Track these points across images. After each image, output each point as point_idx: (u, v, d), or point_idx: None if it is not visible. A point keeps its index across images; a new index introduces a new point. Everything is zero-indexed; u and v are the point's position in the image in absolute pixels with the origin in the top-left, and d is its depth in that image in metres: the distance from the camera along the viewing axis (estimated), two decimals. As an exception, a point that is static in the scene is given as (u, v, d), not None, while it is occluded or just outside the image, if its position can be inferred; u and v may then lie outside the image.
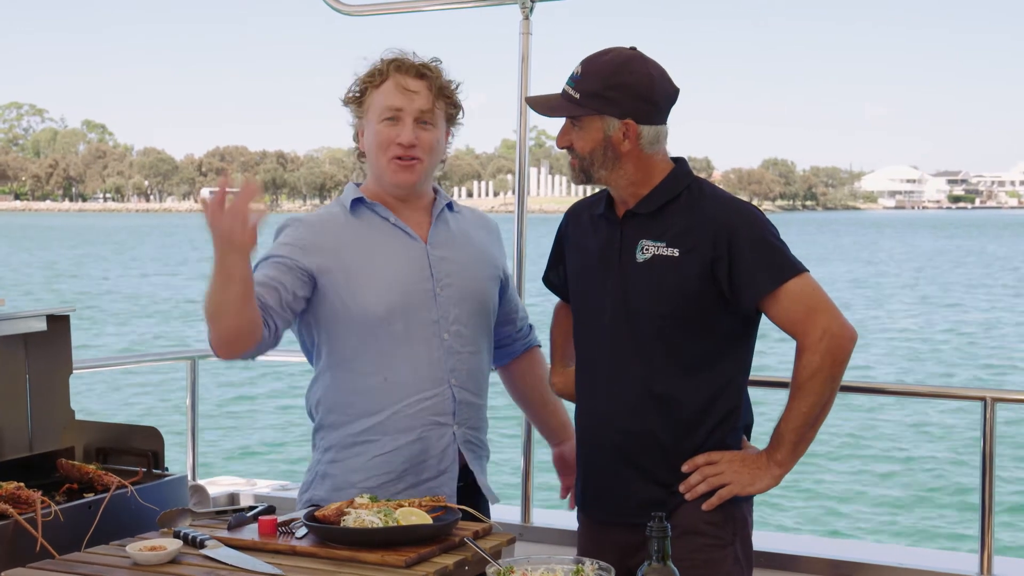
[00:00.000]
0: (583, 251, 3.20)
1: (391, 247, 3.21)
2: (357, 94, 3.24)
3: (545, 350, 3.56)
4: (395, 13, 4.35)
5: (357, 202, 3.25)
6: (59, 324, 3.71)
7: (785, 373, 3.11)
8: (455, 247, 3.32)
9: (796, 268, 2.97)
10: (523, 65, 4.04)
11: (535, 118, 3.26)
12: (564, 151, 3.12)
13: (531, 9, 4.02)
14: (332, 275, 3.15)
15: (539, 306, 4.10)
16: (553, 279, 3.39)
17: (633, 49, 3.04)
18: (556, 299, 3.44)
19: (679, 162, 3.13)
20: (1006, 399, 3.71)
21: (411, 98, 3.18)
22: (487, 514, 3.36)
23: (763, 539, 3.74)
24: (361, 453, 3.19)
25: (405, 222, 3.26)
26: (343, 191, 3.32)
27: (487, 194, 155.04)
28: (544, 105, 3.09)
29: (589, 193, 3.31)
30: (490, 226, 3.51)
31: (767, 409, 3.50)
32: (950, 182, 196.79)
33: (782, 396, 3.05)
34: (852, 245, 73.15)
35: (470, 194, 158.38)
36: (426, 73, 3.22)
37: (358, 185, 3.34)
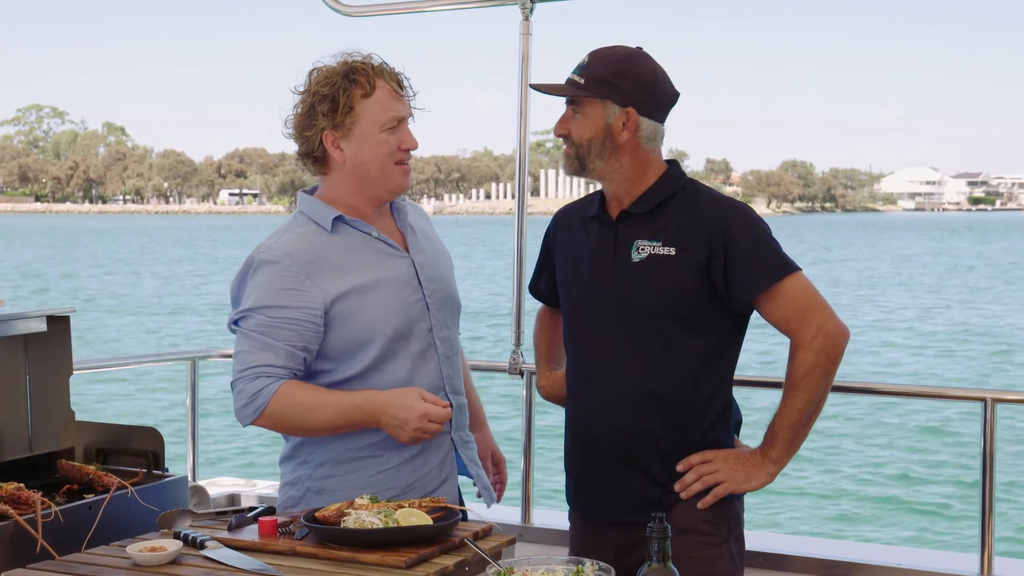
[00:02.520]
0: (575, 253, 3.21)
1: (383, 264, 3.16)
2: (334, 103, 3.10)
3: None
4: (395, 14, 4.36)
5: (337, 220, 3.16)
6: (59, 325, 3.72)
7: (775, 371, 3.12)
8: (426, 250, 3.29)
9: (790, 267, 3.01)
10: (523, 65, 4.06)
11: (547, 121, 3.26)
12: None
13: (531, 10, 4.02)
14: (340, 305, 3.07)
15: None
16: (540, 288, 3.42)
17: (639, 48, 3.10)
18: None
19: (672, 164, 3.17)
20: (1006, 400, 3.71)
21: (403, 102, 3.17)
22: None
23: (759, 539, 3.74)
24: (361, 468, 3.14)
25: (383, 232, 3.21)
26: (303, 205, 3.22)
27: (505, 196, 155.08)
28: (548, 88, 3.13)
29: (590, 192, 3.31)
30: (425, 213, 3.46)
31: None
32: (970, 184, 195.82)
33: (768, 394, 3.06)
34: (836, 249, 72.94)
35: (488, 196, 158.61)
36: (399, 76, 3.20)
37: (309, 192, 3.26)
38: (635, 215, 3.08)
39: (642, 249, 3.04)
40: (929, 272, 53.35)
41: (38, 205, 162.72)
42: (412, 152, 3.19)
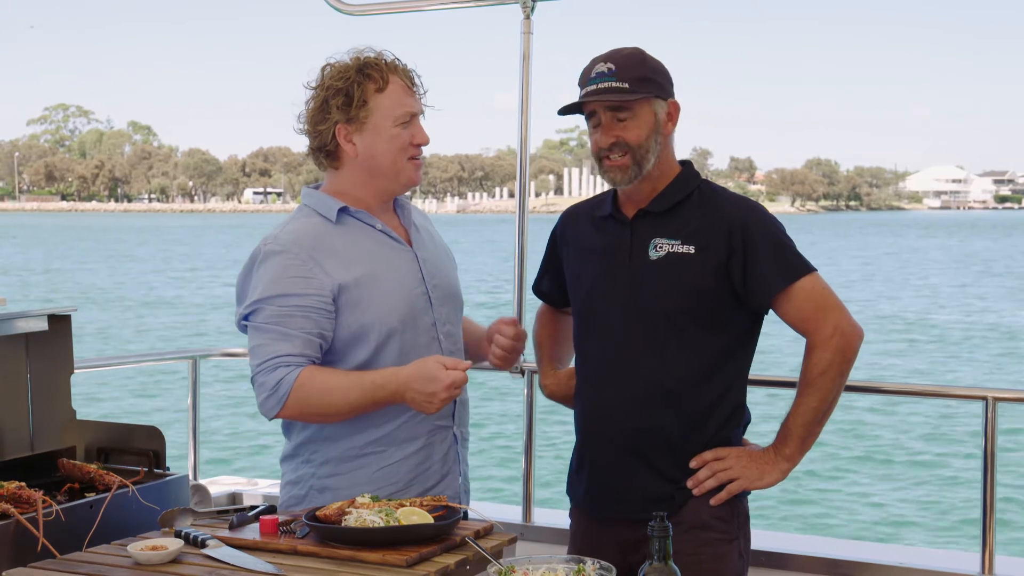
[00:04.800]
0: (586, 252, 3.21)
1: (387, 256, 3.18)
2: (348, 97, 3.14)
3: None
4: (396, 13, 4.35)
5: (342, 211, 3.18)
6: (60, 324, 3.73)
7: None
8: (430, 247, 3.32)
9: (807, 267, 3.04)
10: (524, 64, 4.04)
11: (563, 120, 3.25)
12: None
13: (532, 8, 4.01)
14: (346, 294, 3.09)
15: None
16: (543, 287, 3.43)
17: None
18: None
19: (686, 164, 3.20)
20: (1007, 398, 3.68)
21: (415, 98, 3.21)
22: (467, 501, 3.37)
23: (762, 537, 3.72)
24: (365, 465, 3.15)
25: (388, 227, 3.23)
26: (306, 198, 3.25)
27: (529, 194, 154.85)
28: (596, 99, 3.04)
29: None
30: (426, 215, 3.49)
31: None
32: (996, 182, 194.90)
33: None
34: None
35: (511, 194, 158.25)
36: (411, 74, 3.24)
37: (316, 187, 3.29)
38: (653, 214, 3.10)
39: (660, 247, 3.06)
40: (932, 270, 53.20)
41: (64, 204, 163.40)
42: (424, 148, 3.23)
